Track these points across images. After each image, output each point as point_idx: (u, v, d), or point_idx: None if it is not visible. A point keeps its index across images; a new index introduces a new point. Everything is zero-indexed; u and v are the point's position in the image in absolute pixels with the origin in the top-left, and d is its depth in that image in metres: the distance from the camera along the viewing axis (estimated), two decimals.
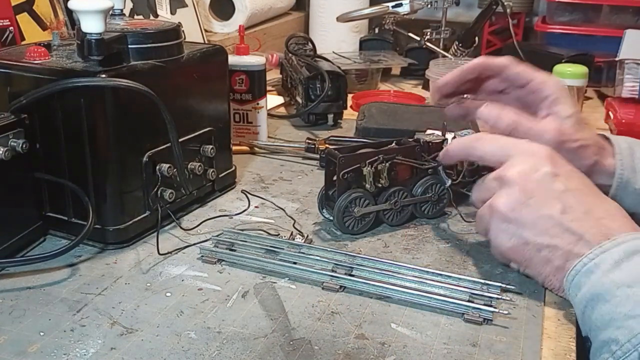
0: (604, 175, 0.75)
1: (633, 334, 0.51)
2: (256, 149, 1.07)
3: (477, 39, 1.54)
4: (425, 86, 1.45)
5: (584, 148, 0.75)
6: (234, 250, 0.72)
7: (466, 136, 0.72)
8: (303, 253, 0.71)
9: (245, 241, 0.74)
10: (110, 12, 0.77)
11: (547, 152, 0.64)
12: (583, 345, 0.57)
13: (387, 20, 1.56)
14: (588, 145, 0.75)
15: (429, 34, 1.54)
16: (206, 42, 1.45)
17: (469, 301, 0.62)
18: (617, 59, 1.29)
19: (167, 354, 0.55)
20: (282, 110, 1.34)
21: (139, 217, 0.75)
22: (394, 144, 0.81)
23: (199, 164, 0.82)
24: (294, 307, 0.63)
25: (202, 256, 0.72)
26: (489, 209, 0.65)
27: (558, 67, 1.31)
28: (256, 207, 0.86)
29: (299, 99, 1.25)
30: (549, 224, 0.60)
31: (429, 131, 0.86)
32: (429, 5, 1.51)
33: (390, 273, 0.67)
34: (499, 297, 0.63)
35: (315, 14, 1.75)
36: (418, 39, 1.54)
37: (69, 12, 1.06)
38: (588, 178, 0.64)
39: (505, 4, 1.45)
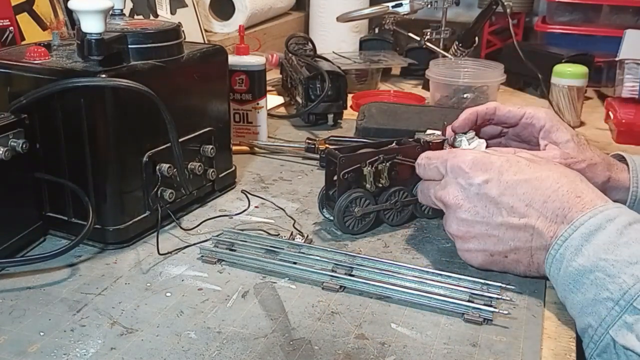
0: (619, 191, 0.77)
1: (601, 317, 0.53)
2: (256, 149, 1.07)
3: (477, 39, 1.54)
4: (425, 86, 1.45)
5: (592, 166, 0.76)
6: (234, 250, 0.72)
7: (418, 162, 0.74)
8: (303, 253, 0.71)
9: (245, 241, 0.74)
10: (110, 12, 0.77)
11: (469, 162, 0.65)
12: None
13: (387, 20, 1.56)
14: (595, 163, 0.76)
15: (429, 34, 1.54)
16: (206, 42, 1.45)
17: (469, 301, 0.62)
18: (617, 59, 1.29)
19: (167, 354, 0.55)
20: (282, 110, 1.34)
21: (139, 217, 0.75)
22: (394, 144, 0.81)
23: (199, 164, 0.82)
24: (294, 307, 0.63)
25: (202, 256, 0.72)
26: (448, 234, 0.69)
27: (558, 67, 1.31)
28: (256, 207, 0.86)
29: (299, 99, 1.25)
30: (501, 231, 0.63)
31: (429, 131, 0.86)
32: (429, 5, 1.51)
33: (390, 273, 0.67)
34: (499, 297, 0.63)
35: (315, 14, 1.75)
36: (418, 39, 1.54)
37: (69, 12, 1.06)
38: (518, 157, 0.65)
39: (505, 4, 1.45)
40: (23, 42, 0.99)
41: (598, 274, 0.54)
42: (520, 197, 0.61)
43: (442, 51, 1.53)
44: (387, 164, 0.77)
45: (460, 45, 1.53)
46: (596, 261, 0.54)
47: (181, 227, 0.79)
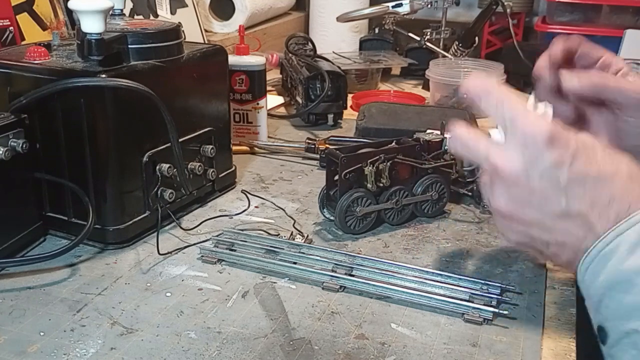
0: None
1: None
2: (256, 149, 1.07)
3: (477, 39, 1.54)
4: (425, 86, 1.45)
5: None
6: (234, 250, 0.72)
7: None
8: (303, 253, 0.71)
9: (245, 241, 0.74)
10: (110, 12, 0.77)
11: (546, 135, 0.53)
12: (588, 338, 0.57)
13: (387, 20, 1.55)
14: None
15: (429, 34, 1.54)
16: (206, 42, 1.45)
17: (469, 301, 0.62)
18: None
19: (167, 354, 0.55)
20: (282, 110, 1.34)
21: (139, 217, 0.75)
22: (394, 144, 0.81)
23: (199, 164, 0.82)
24: (294, 307, 0.63)
25: (202, 256, 0.72)
26: (491, 208, 0.59)
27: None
28: (256, 207, 0.86)
29: (299, 99, 1.25)
30: (555, 222, 0.55)
31: (428, 131, 0.86)
32: (429, 5, 1.51)
33: (390, 273, 0.67)
34: (499, 297, 0.63)
35: (315, 14, 1.75)
36: (418, 39, 1.54)
37: (69, 12, 1.06)
38: (594, 141, 0.55)
39: (505, 4, 1.45)
40: (23, 42, 0.99)
41: None
42: (590, 189, 0.53)
43: (442, 51, 1.53)
44: (388, 163, 0.77)
45: (460, 45, 1.53)
46: None
47: (181, 227, 0.79)
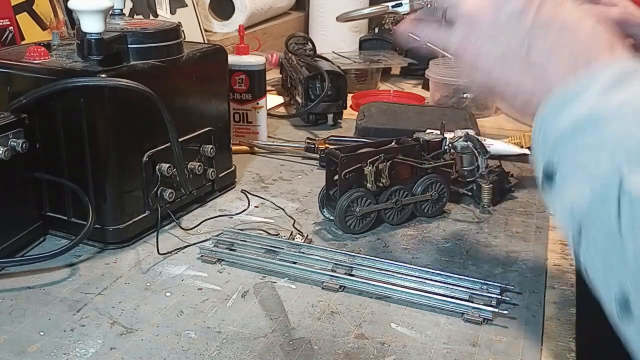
0: None
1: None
2: (256, 149, 1.07)
3: None
4: (425, 86, 1.45)
5: None
6: (234, 250, 0.72)
7: None
8: (303, 253, 0.71)
9: (245, 241, 0.74)
10: (110, 12, 0.77)
11: None
12: (588, 338, 0.57)
13: (387, 20, 1.55)
14: None
15: None
16: (206, 42, 1.45)
17: (469, 301, 0.62)
18: None
19: (167, 354, 0.55)
20: (282, 110, 1.34)
21: (139, 217, 0.75)
22: (394, 144, 0.81)
23: (199, 164, 0.82)
24: (294, 307, 0.63)
25: (202, 256, 0.72)
26: (448, 46, 0.61)
27: None
28: (256, 207, 0.86)
29: (299, 99, 1.24)
30: (516, 63, 0.53)
31: (428, 131, 0.86)
32: (429, 5, 1.51)
33: (390, 273, 0.67)
34: (499, 297, 0.63)
35: (315, 14, 1.75)
36: (418, 39, 1.54)
37: (69, 12, 1.06)
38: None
39: None
40: (23, 42, 0.99)
41: None
42: (548, 41, 0.51)
43: (442, 51, 1.52)
44: (388, 163, 0.77)
45: None
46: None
47: (181, 227, 0.79)
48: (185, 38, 0.82)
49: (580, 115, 0.46)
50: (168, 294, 0.65)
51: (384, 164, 0.77)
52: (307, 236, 0.76)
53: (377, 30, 1.67)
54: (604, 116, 0.45)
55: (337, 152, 0.77)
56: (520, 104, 0.54)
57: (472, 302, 0.62)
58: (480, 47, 0.55)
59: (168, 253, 0.73)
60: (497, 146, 0.96)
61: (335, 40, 1.70)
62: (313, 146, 1.02)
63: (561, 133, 0.47)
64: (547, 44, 0.52)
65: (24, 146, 0.68)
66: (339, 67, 1.27)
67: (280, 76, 1.45)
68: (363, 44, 1.67)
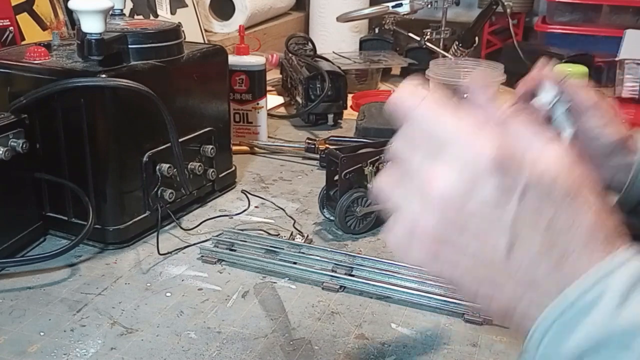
0: (630, 154, 0.71)
1: None
2: (256, 149, 1.07)
3: (477, 39, 1.54)
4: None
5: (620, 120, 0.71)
6: (234, 250, 0.72)
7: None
8: (303, 253, 0.71)
9: (245, 241, 0.74)
10: (110, 12, 0.77)
11: (492, 155, 0.40)
12: None
13: (387, 20, 1.55)
14: (622, 122, 0.71)
15: (429, 34, 1.54)
16: (206, 42, 1.45)
17: (469, 301, 0.62)
18: (617, 59, 1.29)
19: (167, 354, 0.55)
20: (282, 110, 1.34)
21: (139, 217, 0.75)
22: None
23: (199, 164, 0.82)
24: (294, 307, 0.63)
25: (202, 256, 0.72)
26: (407, 225, 0.43)
27: (558, 67, 1.31)
28: (256, 207, 0.86)
29: (299, 99, 1.24)
30: (488, 270, 0.43)
31: None
32: (429, 5, 1.51)
33: (390, 273, 0.67)
34: None
35: (315, 14, 1.75)
36: (418, 39, 1.54)
37: (69, 12, 1.06)
38: (567, 177, 0.42)
39: (505, 4, 1.45)
40: (23, 42, 0.99)
41: None
42: (534, 240, 0.41)
43: (442, 51, 1.53)
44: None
45: (460, 45, 1.53)
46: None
47: (181, 227, 0.79)
48: (185, 38, 0.82)
49: (597, 335, 0.38)
50: (168, 294, 0.65)
51: (384, 164, 0.77)
52: (307, 236, 0.76)
53: (377, 30, 1.67)
54: (630, 333, 0.37)
55: (337, 152, 0.77)
56: (497, 309, 0.44)
57: (472, 302, 0.62)
58: (448, 230, 0.42)
59: (168, 253, 0.73)
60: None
61: (335, 40, 1.70)
62: (313, 146, 1.02)
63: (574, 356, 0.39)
64: (534, 242, 0.41)
65: (24, 146, 0.68)
66: (339, 67, 1.27)
67: (280, 76, 1.45)
68: (363, 44, 1.67)
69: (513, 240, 0.41)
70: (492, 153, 0.40)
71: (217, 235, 0.75)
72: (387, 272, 0.67)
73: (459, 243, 0.41)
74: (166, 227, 0.78)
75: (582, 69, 1.29)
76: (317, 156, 1.01)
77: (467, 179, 0.40)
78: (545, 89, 0.73)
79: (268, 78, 1.16)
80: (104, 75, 0.68)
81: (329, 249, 0.72)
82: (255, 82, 1.06)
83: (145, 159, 0.74)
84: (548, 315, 0.40)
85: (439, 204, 0.41)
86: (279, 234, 0.77)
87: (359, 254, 0.71)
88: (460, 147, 0.41)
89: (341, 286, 0.66)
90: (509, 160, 0.40)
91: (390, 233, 0.43)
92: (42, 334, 0.58)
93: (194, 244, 0.75)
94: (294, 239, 0.75)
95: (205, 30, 1.50)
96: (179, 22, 0.81)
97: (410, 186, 0.43)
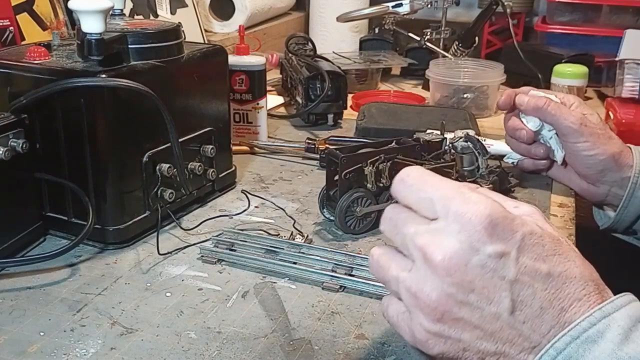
0: (624, 168, 0.77)
1: None
2: (256, 149, 1.07)
3: (477, 39, 1.54)
4: (425, 86, 1.45)
5: (610, 135, 0.78)
6: (234, 250, 0.72)
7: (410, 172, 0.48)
8: (303, 253, 0.71)
9: (245, 241, 0.74)
10: (110, 12, 0.77)
11: (486, 220, 0.43)
12: None
13: (387, 20, 1.56)
14: (613, 136, 0.78)
15: (429, 34, 1.54)
16: (206, 42, 1.45)
17: None
18: (617, 59, 1.29)
19: (167, 354, 0.55)
20: (282, 110, 1.34)
21: (139, 217, 0.75)
22: (394, 144, 0.81)
23: (199, 164, 0.82)
24: (294, 307, 0.63)
25: (202, 256, 0.72)
26: (409, 298, 0.46)
27: (558, 67, 1.31)
28: (256, 207, 0.86)
29: (299, 99, 1.24)
30: (495, 326, 0.44)
31: (428, 131, 0.86)
32: (429, 5, 1.51)
33: None
34: None
35: (315, 14, 1.75)
36: (418, 39, 1.54)
37: (69, 12, 1.06)
38: (541, 228, 0.45)
39: (505, 4, 1.45)
40: (23, 42, 0.99)
41: None
42: (536, 293, 0.44)
43: (442, 51, 1.53)
44: (388, 163, 0.77)
45: (460, 45, 1.53)
46: None
47: (181, 227, 0.79)
48: (185, 38, 0.82)
49: None
50: (168, 294, 0.65)
51: (384, 164, 0.77)
52: (307, 236, 0.76)
53: (377, 30, 1.67)
54: None
55: (337, 152, 0.77)
56: None
57: None
58: (449, 303, 0.44)
59: (168, 253, 0.73)
60: (497, 146, 0.96)
61: (335, 40, 1.70)
62: (313, 146, 1.02)
63: None
64: (535, 298, 0.44)
65: (24, 146, 0.68)
66: (339, 67, 1.27)
67: (280, 76, 1.45)
68: (363, 44, 1.67)
69: (514, 299, 0.43)
70: (486, 215, 0.43)
71: (217, 235, 0.75)
72: None
73: (463, 306, 0.44)
74: (166, 227, 0.78)
75: (582, 69, 1.29)
76: (317, 156, 1.00)
77: (466, 244, 0.43)
78: (528, 118, 0.78)
79: (268, 78, 1.16)
80: (104, 75, 0.68)
81: (329, 249, 0.72)
82: (255, 82, 1.06)
83: (145, 159, 0.74)
84: (558, 345, 0.42)
85: (442, 271, 0.43)
86: (279, 234, 0.77)
87: (359, 254, 0.71)
88: (454, 213, 0.44)
89: (341, 286, 0.66)
90: (502, 220, 0.43)
91: (390, 308, 0.49)
92: (42, 334, 0.58)
93: (194, 244, 0.75)
94: (294, 239, 0.75)
95: (205, 30, 1.50)
96: (179, 22, 0.81)
97: (409, 259, 0.46)
